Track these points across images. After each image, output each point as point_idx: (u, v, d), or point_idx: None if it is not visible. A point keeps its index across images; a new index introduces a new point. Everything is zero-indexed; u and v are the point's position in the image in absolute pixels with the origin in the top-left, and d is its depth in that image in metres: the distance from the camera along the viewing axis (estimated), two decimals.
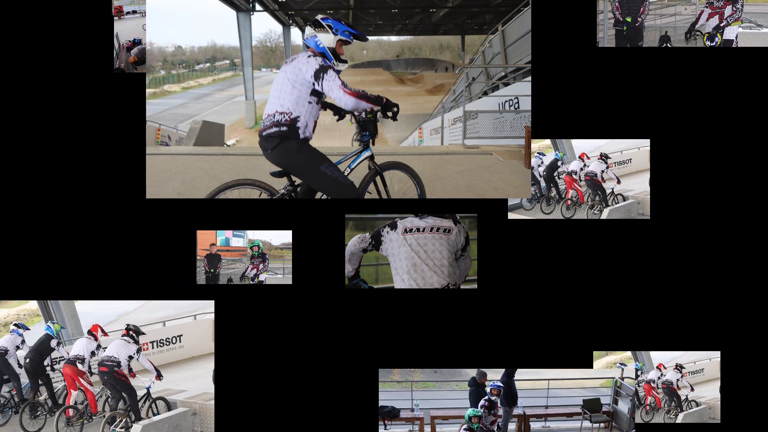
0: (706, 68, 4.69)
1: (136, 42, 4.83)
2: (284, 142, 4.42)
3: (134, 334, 4.75)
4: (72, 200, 4.60)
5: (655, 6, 4.98)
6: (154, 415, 4.77)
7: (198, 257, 4.63)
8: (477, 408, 4.68)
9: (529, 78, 4.79)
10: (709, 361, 4.79)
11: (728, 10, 4.86)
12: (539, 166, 5.02)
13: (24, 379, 4.75)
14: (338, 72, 4.49)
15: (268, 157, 4.53)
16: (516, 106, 13.08)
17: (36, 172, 4.59)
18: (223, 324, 4.62)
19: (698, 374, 4.89)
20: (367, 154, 4.85)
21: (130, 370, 4.72)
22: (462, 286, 4.49)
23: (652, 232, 4.67)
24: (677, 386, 4.88)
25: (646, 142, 4.69)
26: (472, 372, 4.74)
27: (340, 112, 4.86)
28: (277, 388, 4.62)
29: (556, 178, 4.98)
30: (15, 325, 4.73)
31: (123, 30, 4.76)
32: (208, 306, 4.67)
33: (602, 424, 4.95)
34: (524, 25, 14.09)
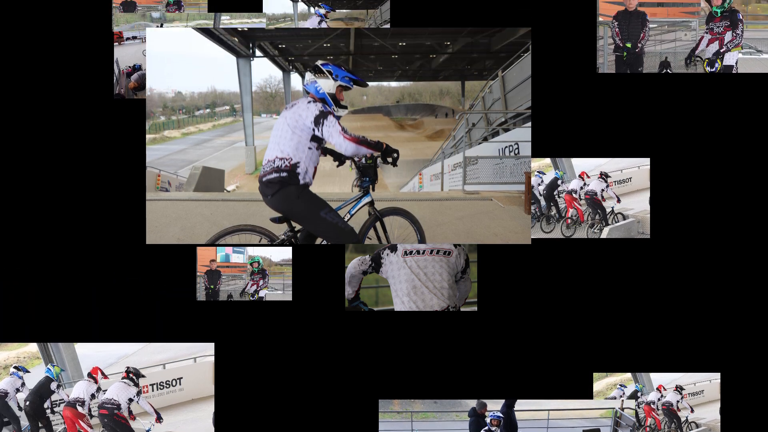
0: (707, 94, 4.71)
1: (136, 68, 4.86)
2: (284, 187, 4.42)
3: (134, 377, 4.72)
4: (72, 244, 4.61)
5: (656, 32, 5.03)
6: None
7: (198, 273, 4.62)
8: None
9: (530, 124, 4.81)
10: (709, 382, 4.77)
11: (728, 36, 4.89)
12: (539, 184, 5.03)
13: (24, 422, 4.71)
14: (338, 118, 4.50)
15: (269, 202, 4.53)
16: (516, 151, 13.13)
17: (36, 211, 4.60)
18: (223, 366, 4.61)
19: (698, 396, 4.87)
20: (367, 199, 4.84)
21: (130, 412, 4.69)
22: (462, 308, 4.49)
23: (652, 251, 4.67)
24: (677, 408, 4.85)
25: (646, 161, 4.70)
26: (472, 402, 4.71)
27: (340, 158, 4.87)
28: (277, 426, 4.59)
29: (556, 196, 4.99)
30: (15, 367, 4.71)
31: (123, 56, 4.80)
32: (208, 348, 4.66)
33: None
34: (524, 70, 14.21)
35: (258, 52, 28.11)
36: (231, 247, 4.73)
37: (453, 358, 4.66)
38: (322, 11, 5.88)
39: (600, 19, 4.86)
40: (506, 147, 13.52)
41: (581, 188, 5.00)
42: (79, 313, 4.62)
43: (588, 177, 4.99)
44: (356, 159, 4.77)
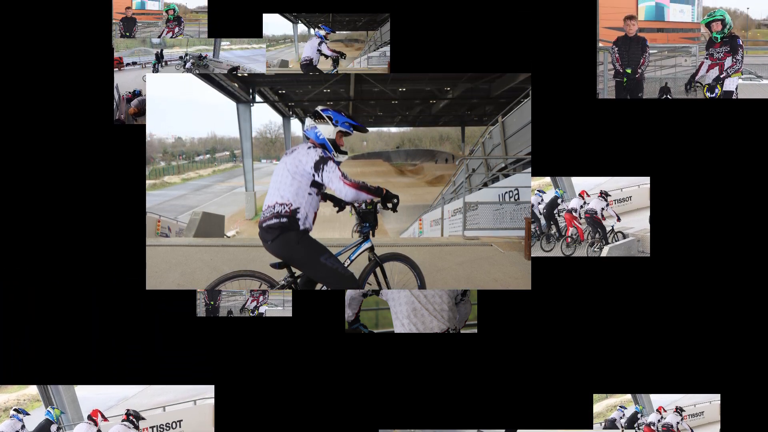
0: (707, 119, 4.74)
1: (136, 93, 4.88)
2: (284, 233, 4.42)
3: (134, 420, 4.70)
4: (73, 288, 4.61)
5: (656, 57, 5.04)
6: None
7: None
8: None
9: (529, 169, 4.83)
10: (709, 404, 4.77)
11: (728, 62, 4.92)
12: (539, 203, 5.04)
13: None
14: (338, 163, 4.52)
15: (269, 248, 4.52)
16: (516, 197, 13.14)
17: (35, 247, 4.61)
18: (224, 409, 4.61)
19: (698, 417, 4.87)
20: (367, 245, 4.84)
21: None
22: (462, 331, 4.47)
23: (652, 270, 4.67)
24: (677, 429, 4.86)
25: (646, 180, 4.71)
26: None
27: (340, 204, 4.88)
28: None
29: (556, 215, 5.00)
30: (15, 410, 4.70)
31: (123, 81, 4.82)
32: (208, 391, 4.66)
33: None
34: (524, 116, 14.27)
35: (258, 98, 28.23)
36: None
37: (453, 383, 4.66)
38: (322, 33, 5.92)
39: (600, 44, 4.89)
40: (506, 192, 13.53)
41: (581, 207, 5.02)
42: (80, 355, 4.62)
43: (588, 196, 5.01)
44: (356, 204, 4.78)
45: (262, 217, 4.52)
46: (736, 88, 4.91)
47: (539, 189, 5.01)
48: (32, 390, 4.72)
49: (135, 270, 4.67)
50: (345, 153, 4.68)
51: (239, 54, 5.26)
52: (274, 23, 5.05)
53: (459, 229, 12.91)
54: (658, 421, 4.85)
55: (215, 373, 4.67)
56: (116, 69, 4.82)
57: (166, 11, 5.10)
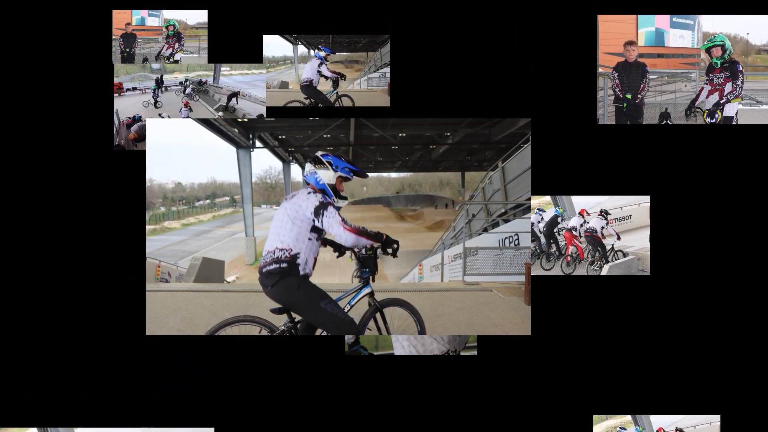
0: (707, 145, 4.75)
1: (136, 119, 4.89)
2: (284, 278, 4.42)
3: None
4: (72, 332, 4.60)
5: (656, 83, 5.04)
6: None
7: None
8: None
9: (530, 215, 4.85)
10: (710, 425, 4.75)
11: (728, 87, 4.92)
12: (539, 222, 5.03)
13: None
14: (338, 208, 4.53)
15: (269, 293, 4.52)
16: (516, 242, 13.13)
17: (34, 284, 4.62)
18: None
19: None
20: (367, 290, 4.84)
21: None
22: (462, 353, 4.45)
23: (652, 289, 4.66)
24: None
25: (646, 198, 4.71)
26: None
27: (340, 249, 4.88)
28: None
29: (556, 234, 5.00)
30: None
31: (123, 107, 4.84)
32: None
33: None
34: (524, 161, 14.31)
35: (258, 143, 28.34)
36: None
37: (453, 405, 4.64)
38: (323, 54, 5.95)
39: (600, 70, 4.91)
40: (506, 238, 13.52)
41: (581, 226, 5.02)
42: (80, 398, 4.61)
43: (588, 214, 5.01)
44: (356, 250, 4.78)
45: (262, 262, 4.51)
46: (737, 114, 4.91)
47: (539, 207, 5.02)
48: None
49: (135, 315, 4.67)
50: (345, 198, 4.69)
51: (239, 79, 5.29)
52: (274, 44, 5.09)
53: (459, 274, 12.89)
54: None
55: (215, 415, 4.65)
56: (116, 94, 4.85)
57: (166, 27, 5.12)
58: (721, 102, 4.96)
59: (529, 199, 4.94)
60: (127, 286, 4.67)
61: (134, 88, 5.07)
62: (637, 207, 4.85)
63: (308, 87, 5.83)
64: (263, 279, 4.51)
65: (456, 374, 4.67)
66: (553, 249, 5.04)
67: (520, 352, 4.74)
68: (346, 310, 4.62)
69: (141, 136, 4.90)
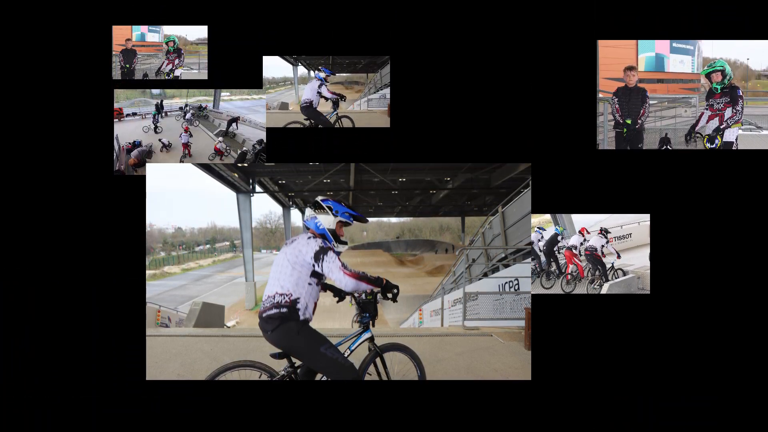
0: (707, 170, 4.77)
1: (136, 144, 4.91)
2: (284, 323, 4.43)
3: None
4: (72, 385, 4.59)
5: (656, 108, 5.03)
6: None
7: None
8: None
9: (530, 260, 4.87)
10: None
11: (728, 113, 4.92)
12: (539, 240, 5.02)
13: None
14: (338, 253, 4.55)
15: (269, 338, 4.52)
16: (516, 287, 13.12)
17: (34, 325, 4.63)
18: None
19: None
20: (367, 335, 4.84)
21: None
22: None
23: (652, 308, 4.65)
24: None
25: (646, 217, 4.71)
26: None
27: (340, 294, 4.89)
28: None
29: (556, 252, 4.99)
30: None
31: (123, 132, 4.85)
32: None
33: None
34: (524, 206, 14.36)
35: (258, 188, 28.42)
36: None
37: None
38: (323, 75, 5.97)
39: (600, 95, 4.92)
40: (506, 282, 13.51)
41: (581, 244, 5.02)
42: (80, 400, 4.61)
43: (588, 233, 5.01)
44: (356, 295, 4.79)
45: (262, 307, 4.52)
46: (737, 139, 4.93)
47: (539, 226, 5.03)
48: None
49: (135, 360, 4.66)
50: (345, 243, 4.72)
51: (239, 105, 5.32)
52: (274, 65, 5.13)
53: (459, 319, 12.86)
54: None
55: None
56: (116, 119, 4.87)
57: (166, 43, 5.14)
58: (721, 127, 4.98)
59: (530, 244, 4.96)
60: (127, 331, 4.68)
61: (134, 114, 5.09)
62: (637, 225, 4.86)
63: (308, 108, 5.85)
64: (263, 324, 4.52)
65: (457, 420, 4.66)
66: (553, 267, 5.04)
67: (520, 397, 4.74)
68: (346, 355, 4.62)
69: (141, 162, 4.93)
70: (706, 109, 5.04)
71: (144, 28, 5.10)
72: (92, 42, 4.90)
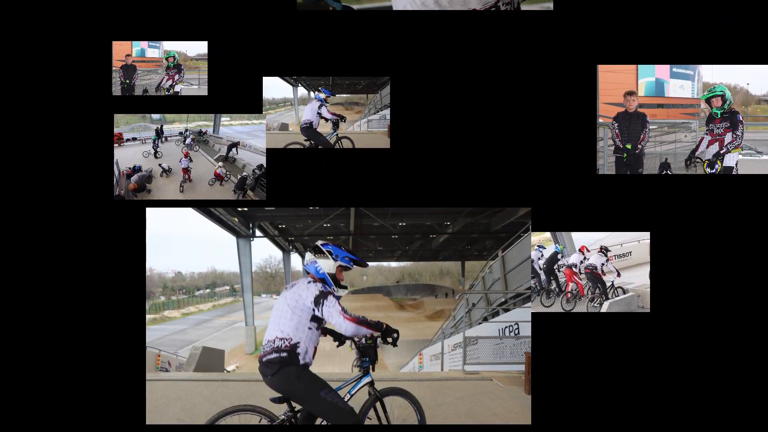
0: (707, 195, 4.79)
1: (136, 169, 4.93)
2: (284, 368, 4.44)
3: None
4: (72, 424, 4.60)
5: (656, 133, 5.05)
6: None
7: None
8: None
9: (530, 304, 4.89)
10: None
11: (728, 137, 4.95)
12: (539, 259, 5.02)
13: None
14: (338, 298, 4.58)
15: (269, 383, 4.54)
16: (516, 332, 13.11)
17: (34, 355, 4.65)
18: None
19: None
20: (367, 380, 4.85)
21: None
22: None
23: (652, 326, 4.65)
24: None
25: (646, 235, 4.71)
26: None
27: (340, 338, 4.91)
28: None
29: (556, 271, 4.99)
30: None
31: (123, 157, 4.87)
32: None
33: None
34: (524, 250, 14.38)
35: (258, 232, 28.41)
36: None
37: None
38: (322, 95, 5.99)
39: (600, 120, 4.95)
40: (506, 327, 13.49)
41: (581, 262, 5.02)
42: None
43: (588, 251, 5.01)
44: (356, 339, 4.81)
45: (262, 351, 4.54)
46: (737, 164, 4.94)
47: (539, 244, 5.04)
48: None
49: (135, 404, 4.67)
50: (345, 287, 4.75)
51: (239, 129, 5.35)
52: (274, 86, 5.16)
53: (459, 363, 12.82)
54: None
55: None
56: (116, 144, 4.89)
57: (166, 59, 5.18)
58: (721, 152, 5.00)
59: (530, 288, 4.99)
60: (126, 376, 4.68)
61: (134, 138, 5.12)
62: (637, 244, 4.87)
63: (308, 129, 5.87)
64: (263, 368, 4.54)
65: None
66: (553, 286, 5.05)
67: None
68: (346, 400, 4.63)
69: (141, 187, 4.96)
70: (706, 134, 5.07)
71: (144, 44, 5.14)
72: (92, 58, 4.94)
